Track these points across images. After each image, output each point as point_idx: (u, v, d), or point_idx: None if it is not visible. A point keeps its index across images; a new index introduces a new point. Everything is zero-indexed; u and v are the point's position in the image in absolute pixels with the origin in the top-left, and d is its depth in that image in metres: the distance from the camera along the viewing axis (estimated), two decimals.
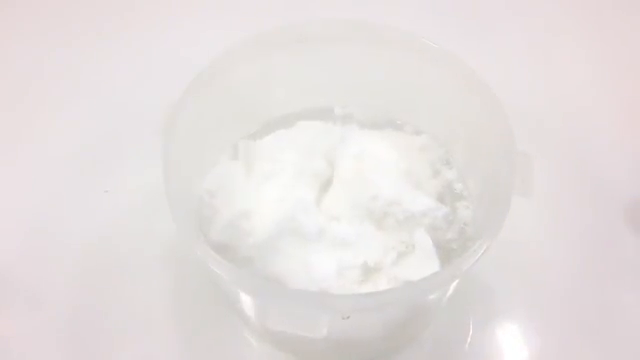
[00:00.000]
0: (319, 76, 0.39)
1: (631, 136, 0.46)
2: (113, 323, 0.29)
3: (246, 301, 0.31)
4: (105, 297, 0.37)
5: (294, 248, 0.33)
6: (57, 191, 0.43)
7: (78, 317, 0.37)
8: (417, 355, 0.36)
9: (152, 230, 0.39)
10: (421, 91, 0.38)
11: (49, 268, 0.39)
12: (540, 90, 0.50)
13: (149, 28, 0.52)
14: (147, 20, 0.53)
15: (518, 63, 0.51)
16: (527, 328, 0.38)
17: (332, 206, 0.35)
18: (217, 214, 0.34)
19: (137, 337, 0.36)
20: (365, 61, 0.38)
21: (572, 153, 0.45)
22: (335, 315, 0.29)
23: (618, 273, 0.40)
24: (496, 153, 0.32)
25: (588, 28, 0.53)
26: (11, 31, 0.52)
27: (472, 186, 0.37)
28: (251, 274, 0.31)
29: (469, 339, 0.37)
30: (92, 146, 0.45)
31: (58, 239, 0.40)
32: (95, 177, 0.43)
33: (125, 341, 0.36)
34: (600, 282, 0.39)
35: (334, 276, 0.32)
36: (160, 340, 0.36)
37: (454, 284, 0.31)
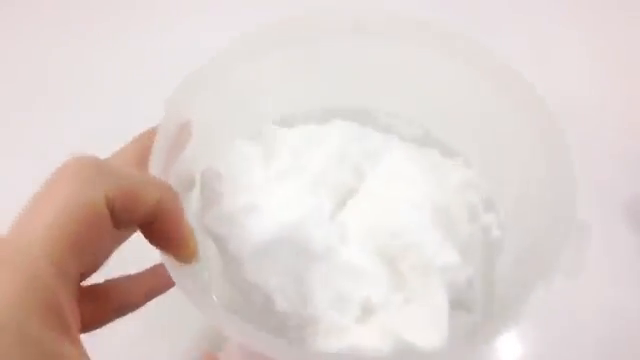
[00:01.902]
0: (369, 73, 0.34)
1: (631, 136, 0.46)
2: (113, 323, 0.28)
3: None
4: None
5: (293, 261, 0.28)
6: None
7: None
8: None
9: None
10: (479, 117, 0.33)
11: None
12: (539, 89, 0.47)
13: (150, 28, 0.52)
14: (149, 20, 0.53)
15: (518, 63, 0.49)
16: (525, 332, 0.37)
17: (347, 223, 0.30)
18: (218, 200, 0.29)
19: (137, 337, 0.36)
20: (422, 65, 0.33)
21: (571, 151, 0.43)
22: None
23: (618, 272, 0.40)
24: (549, 213, 0.27)
25: (587, 28, 0.53)
26: (12, 31, 0.52)
27: (511, 241, 0.32)
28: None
29: None
30: (92, 146, 0.44)
31: None
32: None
33: (125, 341, 0.36)
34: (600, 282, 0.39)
35: (329, 306, 0.28)
36: (160, 340, 0.36)
37: None
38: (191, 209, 0.30)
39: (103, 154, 0.42)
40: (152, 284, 0.26)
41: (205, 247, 0.28)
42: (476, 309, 0.29)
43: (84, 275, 0.20)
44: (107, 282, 0.24)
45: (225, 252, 0.29)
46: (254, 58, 0.30)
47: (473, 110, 0.33)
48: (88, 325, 0.21)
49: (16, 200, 0.43)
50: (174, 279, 0.23)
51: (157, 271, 0.26)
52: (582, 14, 0.54)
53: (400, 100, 0.35)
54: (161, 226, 0.21)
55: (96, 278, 0.27)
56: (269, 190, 0.30)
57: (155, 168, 0.25)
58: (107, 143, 0.43)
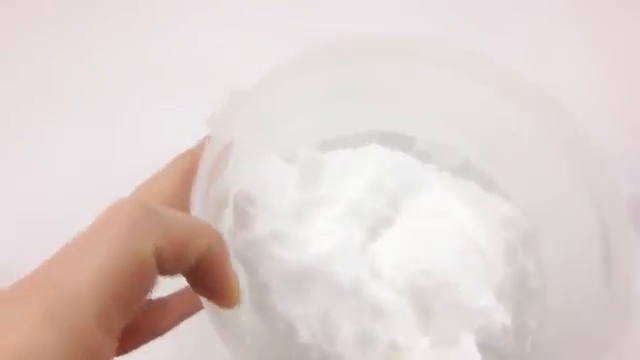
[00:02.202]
0: (409, 98, 0.33)
1: (631, 136, 0.46)
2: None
3: None
4: None
5: (320, 294, 0.27)
6: (56, 190, 0.43)
7: None
8: None
9: None
10: (520, 148, 0.32)
11: None
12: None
13: (152, 27, 0.52)
14: (150, 19, 0.52)
15: (517, 62, 0.49)
16: None
17: (378, 256, 0.29)
18: (249, 224, 0.28)
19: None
20: (461, 93, 0.32)
21: None
22: None
23: None
24: (594, 268, 0.26)
25: (587, 28, 0.52)
26: (12, 31, 0.52)
27: (551, 293, 0.30)
28: None
29: None
30: (92, 146, 0.45)
31: (58, 240, 0.39)
32: (95, 178, 0.43)
33: None
34: None
35: (353, 344, 0.27)
36: (161, 340, 0.34)
37: None
38: (224, 228, 0.29)
39: (104, 154, 0.44)
40: (184, 307, 0.26)
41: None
42: (508, 358, 0.28)
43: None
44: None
45: (252, 277, 0.28)
46: (295, 81, 0.29)
47: (514, 142, 0.32)
48: (118, 351, 0.21)
49: (17, 201, 0.44)
50: (213, 327, 0.22)
51: (186, 296, 0.26)
52: (582, 14, 0.53)
53: (439, 127, 0.34)
54: (206, 274, 0.20)
55: None
56: (301, 218, 0.29)
57: (198, 195, 0.24)
58: (108, 143, 0.44)
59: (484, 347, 0.27)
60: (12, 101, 0.48)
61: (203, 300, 0.22)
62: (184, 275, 0.21)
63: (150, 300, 0.24)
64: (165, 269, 0.19)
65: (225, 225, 0.29)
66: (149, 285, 0.19)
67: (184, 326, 0.26)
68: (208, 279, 0.21)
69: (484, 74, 0.31)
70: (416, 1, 0.52)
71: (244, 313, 0.28)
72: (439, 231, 0.29)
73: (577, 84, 0.48)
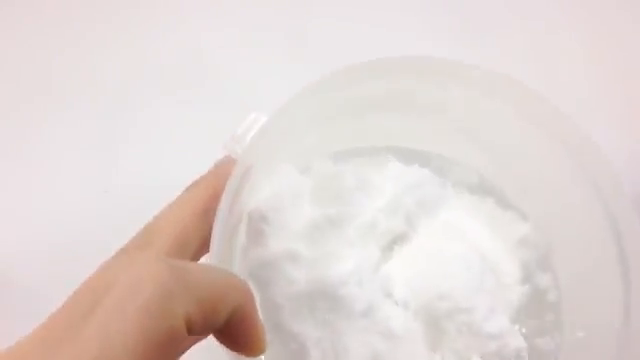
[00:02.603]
0: (429, 116, 0.32)
1: (630, 135, 0.46)
2: None
3: None
4: None
5: (332, 315, 0.27)
6: (57, 191, 0.42)
7: None
8: None
9: None
10: (540, 171, 0.32)
11: (49, 268, 0.38)
12: (539, 89, 0.47)
13: (153, 27, 0.51)
14: (150, 19, 0.52)
15: (517, 62, 0.50)
16: None
17: (392, 276, 0.29)
18: (263, 242, 0.28)
19: None
20: (485, 116, 0.32)
21: None
22: None
23: None
24: (614, 299, 0.25)
25: (587, 28, 0.51)
26: (18, 32, 0.51)
27: (568, 309, 0.30)
28: None
29: None
30: (93, 146, 0.45)
31: (58, 239, 0.40)
32: (95, 178, 0.43)
33: None
34: None
35: None
36: None
37: None
38: (238, 243, 0.29)
39: (104, 155, 0.44)
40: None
41: None
42: None
43: None
44: None
45: (265, 296, 0.28)
46: (313, 100, 0.29)
47: (529, 160, 0.32)
48: None
49: (16, 200, 0.43)
50: None
51: None
52: (581, 15, 0.52)
53: (455, 144, 0.33)
54: (235, 329, 0.20)
55: None
56: (316, 237, 0.28)
57: (220, 228, 0.24)
58: (108, 144, 0.44)
59: None
60: (12, 101, 0.47)
61: (225, 349, 0.22)
62: (213, 334, 0.20)
63: None
64: (194, 332, 0.18)
65: (239, 241, 0.29)
66: (180, 351, 0.18)
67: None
68: (237, 334, 0.20)
69: (501, 92, 0.30)
70: (415, 3, 0.52)
71: None
72: (455, 252, 0.29)
73: (576, 85, 0.48)
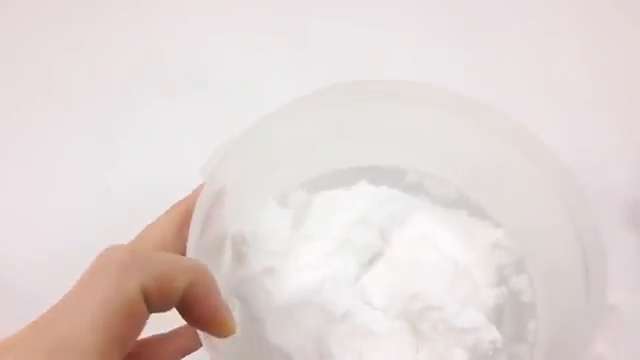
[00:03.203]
0: (397, 135, 0.34)
1: (631, 136, 0.46)
2: None
3: None
4: None
5: (314, 322, 0.29)
6: (58, 191, 0.42)
7: None
8: None
9: None
10: (510, 183, 0.33)
11: (49, 268, 0.38)
12: (539, 91, 0.49)
13: (153, 28, 0.51)
14: (151, 20, 0.52)
15: (517, 63, 0.51)
16: None
17: (369, 286, 0.31)
18: (244, 263, 0.30)
19: None
20: (454, 132, 0.33)
21: (572, 154, 0.42)
22: None
23: (618, 273, 0.36)
24: (578, 293, 0.26)
25: (588, 29, 0.52)
26: (19, 32, 0.52)
27: (542, 309, 0.31)
28: None
29: None
30: (93, 146, 0.45)
31: (58, 239, 0.40)
32: (96, 178, 0.43)
33: None
34: None
35: None
36: None
37: None
38: (223, 271, 0.31)
39: (105, 155, 0.44)
40: (182, 344, 0.27)
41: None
42: None
43: None
44: (139, 343, 0.25)
45: (247, 312, 0.30)
46: (283, 124, 0.31)
47: (502, 174, 0.33)
48: None
49: (16, 200, 0.43)
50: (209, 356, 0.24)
51: (188, 331, 0.27)
52: (581, 16, 0.53)
53: (430, 160, 0.35)
54: (194, 306, 0.22)
55: None
56: (293, 253, 0.30)
57: (193, 239, 0.26)
58: (109, 144, 0.44)
59: None
60: (12, 101, 0.48)
61: (200, 333, 0.24)
62: (178, 310, 0.22)
63: (150, 338, 0.26)
64: (153, 306, 0.21)
65: (225, 265, 0.31)
66: (140, 323, 0.20)
67: None
68: (197, 311, 0.22)
69: (468, 111, 0.32)
70: (416, 4, 0.52)
71: (243, 350, 0.30)
72: (426, 259, 0.31)
73: (577, 85, 0.48)
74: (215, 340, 0.24)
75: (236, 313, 0.30)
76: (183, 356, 0.27)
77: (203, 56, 0.49)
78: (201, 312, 0.22)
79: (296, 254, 0.30)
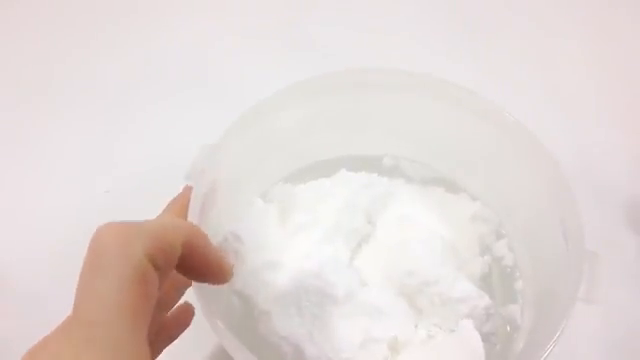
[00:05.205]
0: (371, 123, 0.36)
1: (631, 137, 0.46)
2: None
3: None
4: None
5: (318, 307, 0.29)
6: (58, 191, 0.42)
7: None
8: None
9: None
10: (480, 154, 0.35)
11: (49, 268, 0.38)
12: (540, 91, 0.50)
13: (153, 29, 0.52)
14: (151, 22, 0.53)
15: (517, 63, 0.51)
16: None
17: (364, 268, 0.32)
18: (241, 261, 0.31)
19: None
20: (422, 113, 0.35)
21: (572, 154, 0.45)
22: None
23: (618, 273, 0.39)
24: (558, 245, 0.28)
25: (587, 30, 0.53)
26: (15, 31, 0.52)
27: (525, 268, 0.33)
28: None
29: None
30: (93, 146, 0.45)
31: (58, 239, 0.40)
32: (96, 178, 0.43)
33: None
34: None
35: (357, 348, 0.29)
36: None
37: None
38: None
39: (105, 154, 0.44)
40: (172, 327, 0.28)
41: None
42: (497, 340, 0.30)
43: None
44: None
45: (254, 309, 0.30)
46: (263, 120, 0.32)
47: (473, 148, 0.35)
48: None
49: (16, 200, 0.43)
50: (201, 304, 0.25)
51: (175, 315, 0.28)
52: (582, 16, 0.54)
53: (404, 144, 0.37)
54: (195, 259, 0.23)
55: None
56: (287, 245, 0.31)
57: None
58: (109, 144, 0.44)
59: None
60: (12, 101, 0.48)
61: (196, 290, 0.25)
62: (177, 270, 0.23)
63: None
64: (159, 267, 0.21)
65: None
66: (154, 288, 0.21)
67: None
68: (196, 262, 0.23)
69: (442, 94, 0.33)
70: (415, 5, 0.53)
71: (253, 345, 0.30)
72: (413, 235, 0.32)
73: (577, 86, 0.49)
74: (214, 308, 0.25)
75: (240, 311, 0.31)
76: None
77: (203, 56, 0.49)
78: (200, 262, 0.23)
79: (291, 245, 0.31)
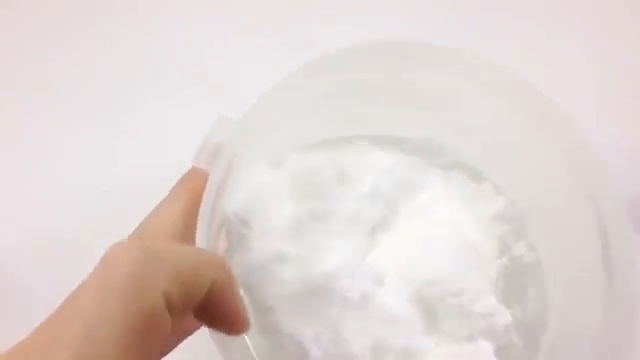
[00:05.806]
0: (402, 101, 0.32)
1: (631, 136, 0.46)
2: None
3: None
4: None
5: (327, 310, 0.27)
6: (57, 191, 0.43)
7: None
8: None
9: None
10: (510, 142, 0.32)
11: (49, 268, 0.38)
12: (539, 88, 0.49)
13: (153, 29, 0.51)
14: (151, 21, 0.51)
15: (517, 63, 0.51)
16: None
17: (380, 264, 0.29)
18: (246, 247, 0.28)
19: None
20: (450, 93, 0.32)
21: None
22: None
23: None
24: (594, 262, 0.26)
25: (588, 29, 0.52)
26: (14, 30, 0.51)
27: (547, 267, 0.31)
28: None
29: None
30: (92, 146, 0.45)
31: (58, 239, 0.40)
32: (95, 178, 0.43)
33: None
34: None
35: (367, 354, 0.27)
36: None
37: None
38: (219, 248, 0.28)
39: (104, 154, 0.44)
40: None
41: None
42: (515, 356, 0.29)
43: None
44: None
45: (256, 301, 0.28)
46: (285, 94, 0.28)
47: (504, 137, 0.32)
48: None
49: (16, 200, 0.43)
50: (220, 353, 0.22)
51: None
52: (582, 15, 0.53)
53: (427, 126, 0.33)
54: (215, 305, 0.19)
55: None
56: (301, 235, 0.28)
57: (204, 221, 0.24)
58: (108, 143, 0.44)
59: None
60: (12, 101, 0.47)
61: (211, 332, 0.21)
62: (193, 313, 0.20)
63: None
64: (175, 310, 0.18)
65: (220, 246, 0.29)
66: (165, 330, 0.17)
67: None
68: (217, 310, 0.20)
69: (474, 73, 0.30)
70: (416, 6, 0.52)
71: (252, 337, 0.28)
72: (438, 237, 0.29)
73: (577, 84, 0.48)
74: (226, 338, 0.22)
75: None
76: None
77: (202, 56, 0.49)
78: (220, 310, 0.20)
79: (305, 236, 0.28)
